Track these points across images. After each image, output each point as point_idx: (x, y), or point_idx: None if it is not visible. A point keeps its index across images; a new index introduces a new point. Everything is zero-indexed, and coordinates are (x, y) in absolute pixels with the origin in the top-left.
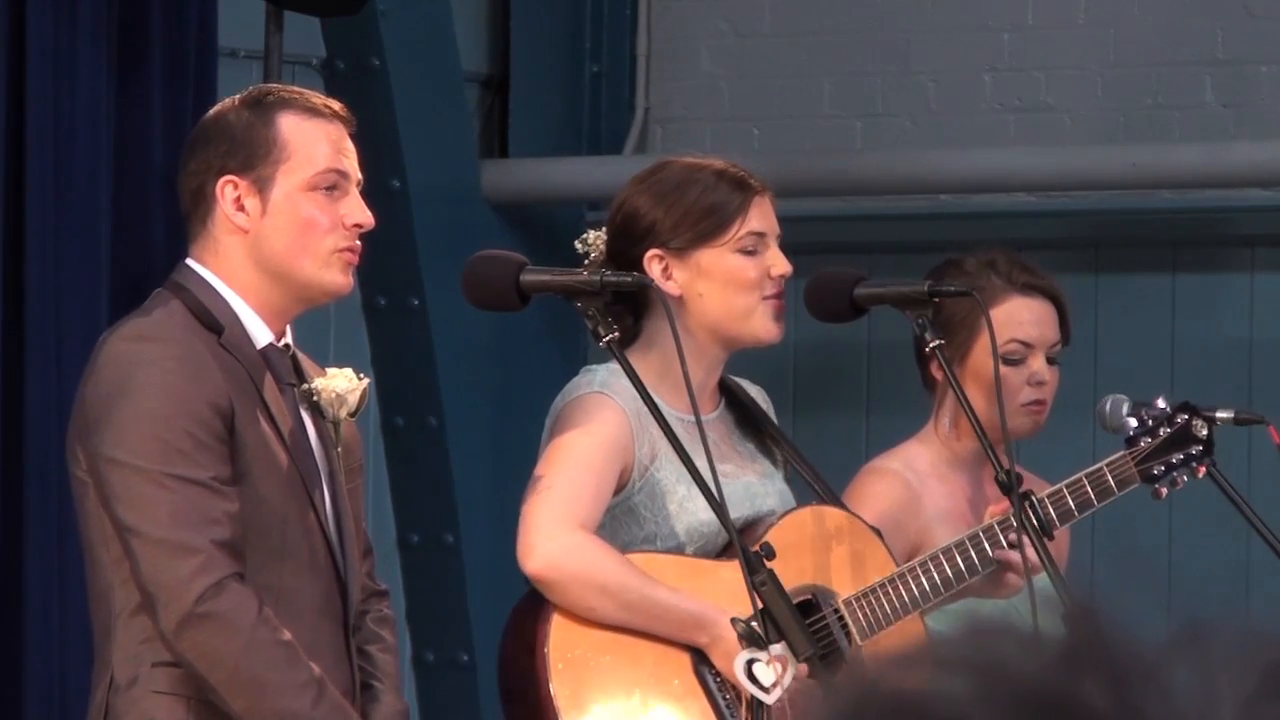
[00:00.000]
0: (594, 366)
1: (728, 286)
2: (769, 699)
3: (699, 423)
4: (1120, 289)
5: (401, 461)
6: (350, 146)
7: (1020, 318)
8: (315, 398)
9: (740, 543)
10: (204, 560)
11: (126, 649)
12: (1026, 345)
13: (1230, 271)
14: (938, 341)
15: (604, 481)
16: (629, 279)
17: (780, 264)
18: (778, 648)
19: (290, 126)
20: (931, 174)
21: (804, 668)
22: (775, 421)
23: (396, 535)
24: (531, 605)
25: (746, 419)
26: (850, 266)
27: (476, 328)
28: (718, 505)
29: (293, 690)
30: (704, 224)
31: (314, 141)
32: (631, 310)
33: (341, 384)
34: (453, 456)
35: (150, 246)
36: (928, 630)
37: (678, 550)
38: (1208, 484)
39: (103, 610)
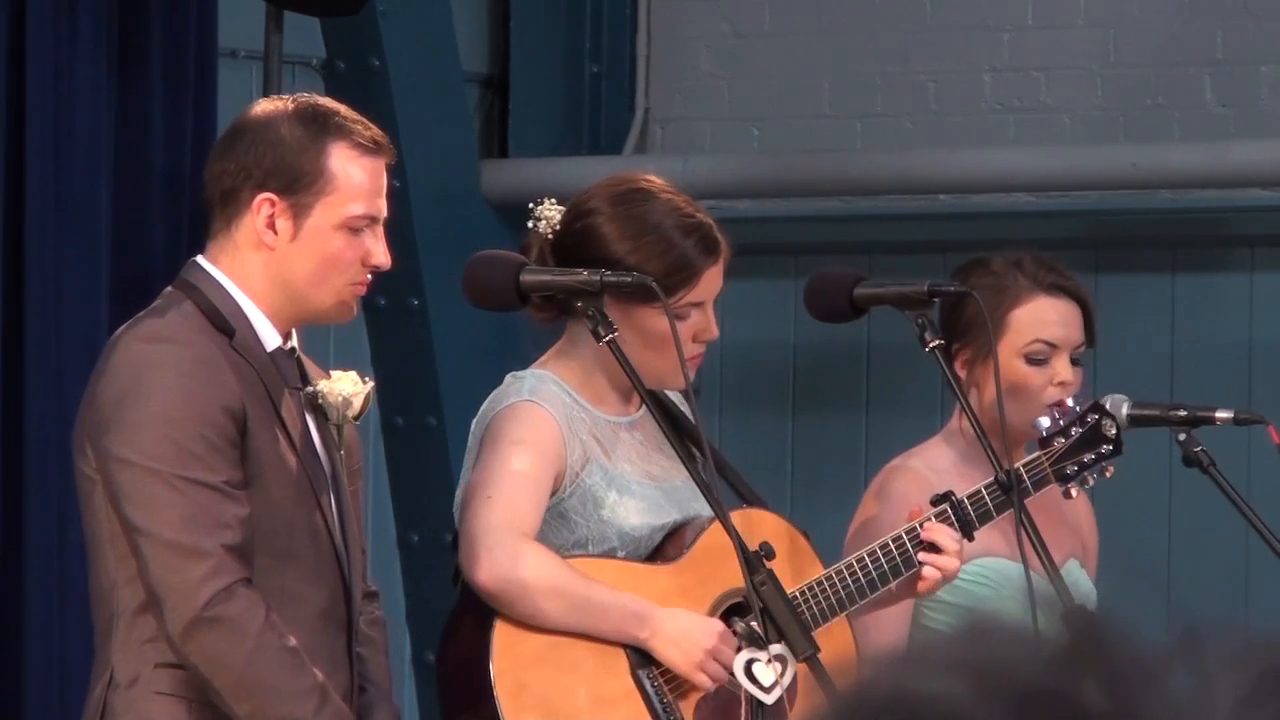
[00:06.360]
0: (521, 373)
1: (651, 347)
2: (769, 699)
3: (691, 402)
4: (1120, 289)
5: (401, 461)
6: (385, 182)
7: (1046, 318)
8: (320, 400)
9: (739, 541)
10: (214, 564)
11: (129, 648)
12: (1051, 345)
13: (1230, 271)
14: (938, 341)
15: (542, 489)
16: (629, 279)
17: (708, 330)
18: (777, 648)
19: (340, 160)
20: (931, 174)
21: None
22: (696, 419)
23: (396, 535)
24: (471, 611)
25: (670, 421)
26: (850, 266)
27: (476, 328)
28: (713, 500)
29: (296, 697)
30: (649, 288)
31: (359, 182)
32: (557, 309)
33: (346, 387)
34: (453, 456)
35: (150, 246)
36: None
37: (609, 554)
38: (1208, 484)
39: (105, 608)
